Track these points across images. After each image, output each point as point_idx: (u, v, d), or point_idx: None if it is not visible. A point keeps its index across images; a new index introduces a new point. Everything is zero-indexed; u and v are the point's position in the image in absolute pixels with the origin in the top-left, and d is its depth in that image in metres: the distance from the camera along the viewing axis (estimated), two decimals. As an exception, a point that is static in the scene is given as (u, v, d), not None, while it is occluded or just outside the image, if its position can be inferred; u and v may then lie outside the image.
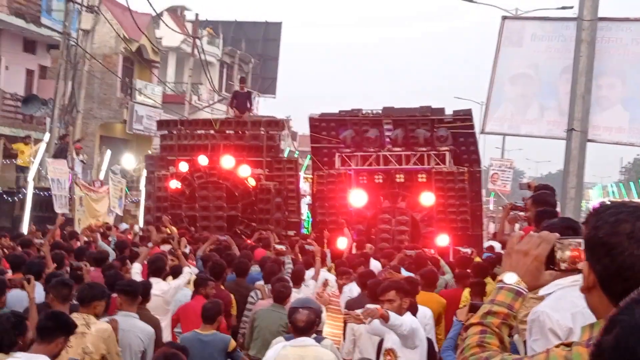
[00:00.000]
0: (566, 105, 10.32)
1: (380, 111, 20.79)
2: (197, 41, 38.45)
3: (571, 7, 25.93)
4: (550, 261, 2.75)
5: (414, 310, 7.48)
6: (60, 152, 24.59)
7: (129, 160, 34.98)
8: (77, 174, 25.36)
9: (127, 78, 37.82)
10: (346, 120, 20.91)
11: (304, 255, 13.03)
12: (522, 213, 8.75)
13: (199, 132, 22.64)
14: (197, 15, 41.71)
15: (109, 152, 30.46)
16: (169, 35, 41.62)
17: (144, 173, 26.50)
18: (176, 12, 48.50)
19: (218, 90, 47.78)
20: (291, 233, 21.07)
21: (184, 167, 21.75)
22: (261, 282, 10.34)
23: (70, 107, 27.67)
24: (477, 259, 13.61)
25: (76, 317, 6.72)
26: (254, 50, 55.98)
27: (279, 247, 13.22)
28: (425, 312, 8.41)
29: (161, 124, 24.33)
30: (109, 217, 26.39)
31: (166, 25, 39.30)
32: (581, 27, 10.00)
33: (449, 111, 20.58)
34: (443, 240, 18.87)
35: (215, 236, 15.36)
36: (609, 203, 2.39)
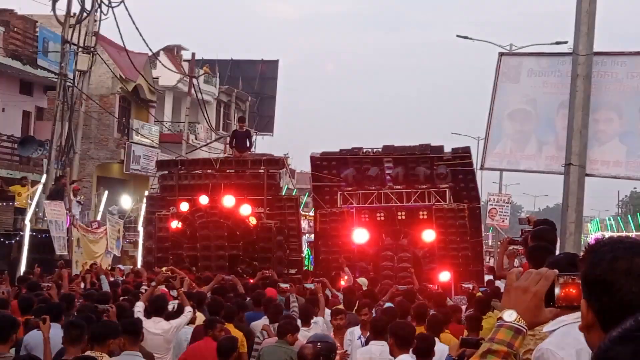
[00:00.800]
0: (564, 140, 10.35)
1: (380, 149, 21.32)
2: (194, 80, 38.67)
3: (565, 42, 26.10)
4: (550, 298, 2.72)
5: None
6: (56, 193, 24.56)
7: (127, 201, 34.94)
8: (75, 215, 25.31)
9: (124, 118, 37.94)
10: (347, 159, 21.42)
11: (303, 295, 13.03)
12: (519, 247, 8.73)
13: (199, 172, 22.81)
14: (193, 54, 41.93)
15: (106, 193, 30.46)
16: (166, 75, 41.81)
17: (143, 213, 26.46)
18: (173, 52, 48.77)
19: (215, 129, 47.93)
20: (293, 271, 21.23)
21: (184, 207, 21.83)
22: (265, 322, 10.39)
23: (67, 148, 27.70)
24: (479, 294, 13.91)
25: (88, 355, 7.00)
26: (251, 88, 56.29)
27: (283, 285, 13.51)
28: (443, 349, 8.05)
29: (161, 165, 24.54)
30: (106, 258, 26.31)
31: (163, 64, 39.48)
32: (577, 62, 10.05)
33: (447, 149, 21.16)
34: (445, 276, 19.20)
35: (221, 275, 15.50)
36: (605, 239, 2.38)
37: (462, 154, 21.05)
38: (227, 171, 22.61)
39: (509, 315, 2.55)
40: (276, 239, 21.48)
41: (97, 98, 33.36)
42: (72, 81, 27.63)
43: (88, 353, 7.13)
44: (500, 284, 20.71)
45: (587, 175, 10.25)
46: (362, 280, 16.75)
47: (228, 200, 21.49)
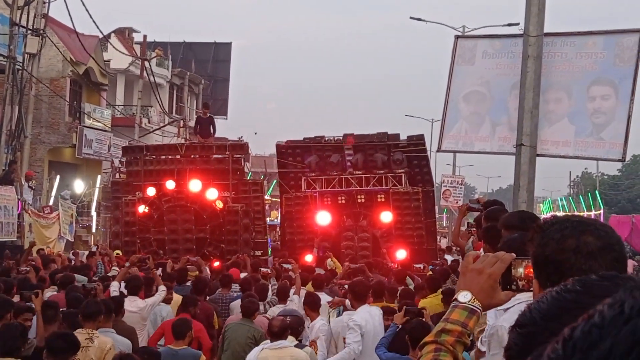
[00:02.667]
0: (516, 121, 10.50)
1: (341, 137, 22.84)
2: (146, 63, 38.33)
3: (517, 24, 26.37)
4: (507, 281, 2.79)
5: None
6: (5, 178, 24.27)
7: (79, 185, 34.64)
8: (27, 201, 25.05)
9: (76, 102, 37.49)
10: (310, 147, 22.95)
11: (280, 273, 13.95)
12: (473, 228, 8.89)
13: (164, 157, 23.41)
14: (145, 36, 41.53)
15: (58, 178, 30.17)
16: (117, 58, 41.40)
17: (94, 197, 26.28)
18: (124, 34, 48.29)
19: (168, 112, 47.61)
20: (258, 253, 22.00)
21: (151, 191, 22.37)
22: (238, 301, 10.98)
23: (17, 132, 27.34)
24: (430, 273, 14.83)
25: (81, 332, 7.76)
26: (204, 71, 55.93)
27: (264, 269, 14.17)
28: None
29: (126, 150, 25.04)
30: (59, 243, 26.11)
31: (114, 47, 39.10)
32: (527, 43, 10.20)
33: (402, 130, 23.50)
34: (401, 254, 20.19)
35: (187, 257, 16.63)
36: (552, 219, 2.42)
37: (417, 141, 22.63)
38: (192, 156, 23.16)
39: (464, 297, 2.58)
40: (242, 222, 22.19)
41: (48, 81, 32.92)
42: (21, 64, 27.24)
43: (79, 331, 7.77)
44: (448, 257, 22.30)
45: (538, 155, 10.42)
46: (329, 263, 17.53)
47: (194, 185, 22.06)
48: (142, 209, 22.26)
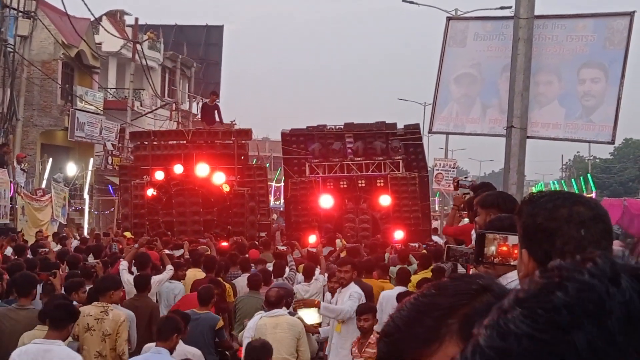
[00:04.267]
0: (507, 103, 10.57)
1: (342, 126, 24.54)
2: (138, 46, 38.27)
3: (509, 7, 26.38)
4: (479, 254, 2.88)
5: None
6: (-1, 161, 24.29)
7: (72, 168, 34.64)
8: (19, 184, 25.07)
9: (67, 84, 37.42)
10: (313, 135, 24.57)
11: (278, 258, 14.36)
12: (464, 212, 8.99)
13: (171, 142, 24.44)
14: (136, 19, 41.46)
15: (50, 160, 30.17)
16: (109, 40, 41.23)
17: (87, 180, 26.30)
18: (115, 17, 48.09)
19: (161, 96, 47.53)
20: (263, 234, 22.72)
21: (159, 175, 23.29)
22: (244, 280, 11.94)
23: (9, 115, 27.33)
24: (423, 251, 16.07)
25: (96, 305, 8.62)
26: (195, 54, 55.76)
27: (281, 247, 15.27)
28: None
29: (134, 136, 26.21)
30: (52, 226, 26.16)
31: (105, 30, 38.96)
32: (518, 25, 10.26)
33: (400, 125, 24.52)
34: (399, 234, 21.90)
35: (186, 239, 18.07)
36: (541, 192, 2.49)
37: (413, 130, 24.59)
38: (199, 142, 24.03)
39: None
40: (248, 204, 23.42)
41: (39, 64, 32.85)
42: (12, 47, 27.19)
43: (95, 304, 8.64)
44: (438, 239, 23.17)
45: (528, 137, 10.50)
46: (338, 243, 18.29)
47: (202, 169, 23.04)
48: (150, 192, 23.18)
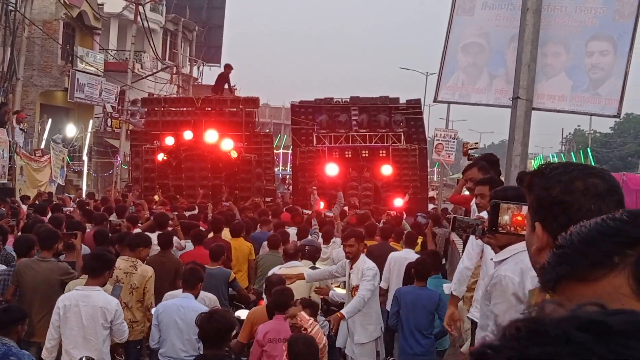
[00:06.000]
0: (513, 74, 10.46)
1: (348, 99, 25.73)
2: (140, 8, 37.93)
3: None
4: (493, 224, 2.84)
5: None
6: (-2, 120, 24.17)
7: (71, 129, 34.54)
8: (18, 143, 24.98)
9: (68, 45, 37.20)
10: (321, 107, 25.81)
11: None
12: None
13: (181, 109, 25.29)
14: (139, -20, 41.01)
15: (50, 121, 30.05)
16: (111, 2, 40.95)
17: (86, 142, 26.20)
18: (118, -22, 47.68)
19: (162, 59, 47.26)
20: (268, 199, 24.10)
21: (170, 141, 24.20)
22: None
23: (9, 74, 27.16)
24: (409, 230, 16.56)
25: (126, 259, 9.46)
26: (198, 17, 55.35)
27: (305, 212, 16.41)
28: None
29: (145, 102, 27.03)
30: (50, 187, 26.12)
31: (108, -10, 38.66)
32: (527, -5, 10.14)
33: (402, 100, 25.77)
34: (399, 202, 22.86)
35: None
36: (553, 164, 2.43)
37: (414, 105, 25.85)
38: (207, 109, 24.89)
39: None
40: (255, 170, 24.67)
41: (41, 24, 32.62)
42: (14, 5, 26.96)
43: (125, 258, 9.47)
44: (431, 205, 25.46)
45: (534, 109, 10.39)
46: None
47: (211, 135, 23.91)
48: (161, 156, 24.20)
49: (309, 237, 13.14)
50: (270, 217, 15.73)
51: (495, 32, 11.16)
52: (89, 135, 34.37)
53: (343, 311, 8.95)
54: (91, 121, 35.99)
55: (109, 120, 40.71)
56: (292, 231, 13.41)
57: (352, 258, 9.33)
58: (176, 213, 15.07)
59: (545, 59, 10.44)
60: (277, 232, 12.90)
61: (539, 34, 10.14)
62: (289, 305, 7.46)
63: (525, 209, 2.84)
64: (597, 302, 0.98)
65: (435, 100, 11.97)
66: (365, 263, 9.31)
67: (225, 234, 12.97)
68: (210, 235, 12.92)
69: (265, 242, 12.67)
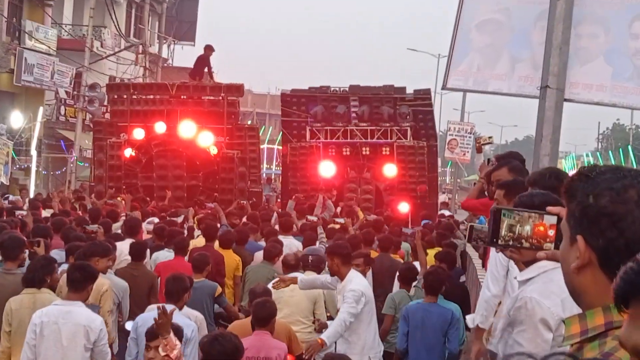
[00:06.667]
0: (541, 58, 10.37)
1: (347, 88, 26.26)
2: (100, -25, 37.86)
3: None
4: (495, 234, 2.78)
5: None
6: None
7: (17, 118, 34.40)
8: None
9: (15, 18, 37.05)
10: (316, 97, 26.27)
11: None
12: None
13: (153, 97, 25.24)
14: (99, -57, 40.90)
15: (-8, 108, 29.93)
16: (66, -33, 40.86)
17: (35, 134, 26.09)
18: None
19: (125, 35, 47.12)
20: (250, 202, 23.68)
21: (139, 134, 24.15)
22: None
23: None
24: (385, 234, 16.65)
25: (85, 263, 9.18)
26: (168, -14, 55.22)
27: (311, 218, 16.62)
28: None
29: (111, 88, 27.09)
30: (-9, 186, 25.98)
31: (62, -46, 38.54)
32: (559, -35, 10.07)
33: (410, 90, 26.32)
34: (404, 207, 23.11)
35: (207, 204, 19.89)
36: (600, 167, 2.37)
37: (423, 95, 26.36)
38: (184, 97, 24.96)
39: None
40: (238, 169, 24.55)
41: (-19, -8, 32.49)
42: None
43: None
44: (446, 212, 25.83)
45: (566, 100, 10.32)
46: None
47: (187, 128, 23.95)
48: (128, 152, 24.11)
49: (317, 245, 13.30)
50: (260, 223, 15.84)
51: (519, 7, 11.07)
52: (38, 125, 34.15)
53: (323, 336, 9.05)
54: (41, 109, 35.74)
55: (62, 108, 40.56)
56: (286, 241, 13.37)
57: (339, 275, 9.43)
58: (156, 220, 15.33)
59: (579, 40, 10.37)
60: (270, 240, 13.02)
61: (572, 10, 10.06)
62: (272, 319, 7.80)
63: (548, 218, 2.84)
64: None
65: (444, 88, 11.91)
66: (351, 283, 9.28)
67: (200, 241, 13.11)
68: (197, 242, 13.15)
69: (260, 253, 12.71)
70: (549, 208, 2.77)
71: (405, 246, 14.87)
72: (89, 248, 9.84)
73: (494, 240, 2.84)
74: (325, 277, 9.96)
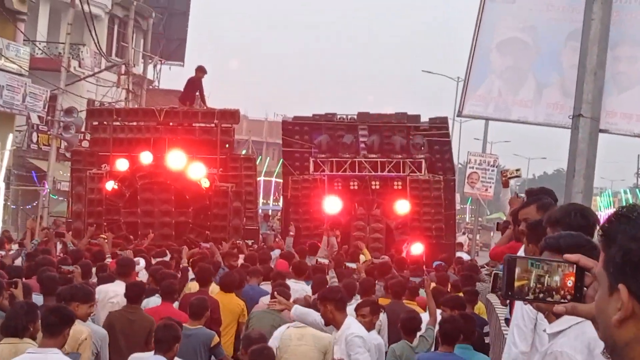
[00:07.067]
0: (572, 83, 10.34)
1: (355, 116, 26.55)
2: (79, -13, 38.00)
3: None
4: (510, 287, 2.73)
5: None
6: None
7: (-17, 147, 34.39)
8: None
9: (-18, 34, 37.19)
10: (320, 125, 26.61)
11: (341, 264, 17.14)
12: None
13: (138, 123, 25.36)
14: (78, -48, 41.13)
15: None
16: (41, -22, 41.06)
17: (3, 164, 26.10)
18: (50, -52, 47.86)
19: (107, 54, 47.31)
20: (249, 242, 23.64)
21: (122, 164, 24.19)
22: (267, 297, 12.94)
23: None
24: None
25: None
26: (155, 1, 55.52)
27: (322, 260, 16.94)
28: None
29: (92, 113, 27.45)
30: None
31: (37, -36, 38.74)
32: (594, -20, 10.05)
33: (424, 118, 26.51)
34: (417, 249, 23.61)
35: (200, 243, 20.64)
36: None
37: (439, 124, 26.59)
38: (173, 124, 25.03)
39: None
40: (233, 205, 24.40)
41: (-55, 5, 32.63)
42: None
43: None
44: (464, 256, 25.87)
45: (602, 131, 10.30)
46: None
47: (176, 159, 23.97)
48: (110, 185, 24.05)
49: None
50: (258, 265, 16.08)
51: (547, 26, 11.05)
52: (7, 154, 34.18)
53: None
54: (10, 136, 35.73)
55: (34, 134, 40.65)
56: (296, 286, 13.66)
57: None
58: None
59: (617, 64, 10.35)
60: (277, 284, 13.02)
61: (608, 31, 10.04)
62: None
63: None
64: None
65: (460, 114, 11.85)
66: (350, 328, 9.29)
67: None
68: (190, 288, 13.43)
69: (266, 298, 12.81)
70: (565, 256, 2.71)
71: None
72: (68, 291, 9.79)
73: (509, 293, 2.77)
74: (319, 315, 9.94)
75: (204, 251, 18.30)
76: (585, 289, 2.64)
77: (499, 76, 11.37)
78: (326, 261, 16.71)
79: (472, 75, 11.39)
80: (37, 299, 10.60)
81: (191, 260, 16.26)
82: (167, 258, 16.68)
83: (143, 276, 14.39)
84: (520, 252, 7.45)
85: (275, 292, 11.50)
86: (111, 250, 17.98)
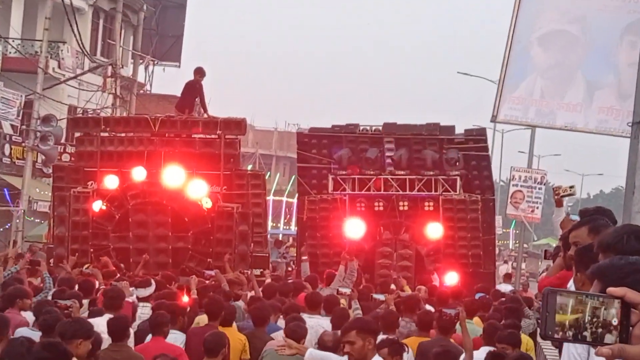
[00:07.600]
0: (630, 85, 10.29)
1: (380, 127, 26.53)
2: (59, -24, 38.21)
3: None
4: (551, 325, 2.73)
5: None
6: None
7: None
8: None
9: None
10: (341, 137, 26.67)
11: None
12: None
13: (130, 134, 25.36)
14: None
15: None
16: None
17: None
18: None
19: (90, 54, 47.48)
20: (257, 272, 23.19)
21: (111, 182, 24.12)
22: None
23: None
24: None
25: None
26: (147, -8, 55.68)
27: (343, 290, 16.79)
28: None
29: (76, 123, 27.62)
30: None
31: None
32: (654, -37, 10.07)
33: (459, 129, 26.75)
34: (452, 278, 23.61)
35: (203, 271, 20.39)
36: None
37: (477, 136, 26.70)
38: (169, 135, 25.16)
39: None
40: (238, 228, 24.28)
41: None
42: None
43: None
44: (507, 287, 26.86)
45: (665, 140, 10.30)
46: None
47: (173, 175, 23.92)
48: (98, 205, 24.04)
49: None
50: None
51: (598, 17, 10.97)
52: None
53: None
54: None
55: (6, 146, 40.81)
56: (312, 321, 13.67)
57: None
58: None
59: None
60: (292, 318, 13.23)
61: (671, 22, 10.05)
62: None
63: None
64: None
65: (493, 120, 11.83)
66: None
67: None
68: (200, 321, 13.74)
69: (278, 334, 12.87)
70: (609, 290, 2.72)
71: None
72: (69, 327, 9.94)
73: (549, 333, 2.77)
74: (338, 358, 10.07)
75: (212, 281, 18.73)
76: (631, 328, 2.64)
77: (542, 75, 11.30)
78: (348, 291, 16.69)
79: (508, 74, 11.30)
80: (33, 334, 10.81)
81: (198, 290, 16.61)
82: (152, 288, 16.59)
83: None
84: (571, 283, 7.47)
85: (284, 334, 11.56)
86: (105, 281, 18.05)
